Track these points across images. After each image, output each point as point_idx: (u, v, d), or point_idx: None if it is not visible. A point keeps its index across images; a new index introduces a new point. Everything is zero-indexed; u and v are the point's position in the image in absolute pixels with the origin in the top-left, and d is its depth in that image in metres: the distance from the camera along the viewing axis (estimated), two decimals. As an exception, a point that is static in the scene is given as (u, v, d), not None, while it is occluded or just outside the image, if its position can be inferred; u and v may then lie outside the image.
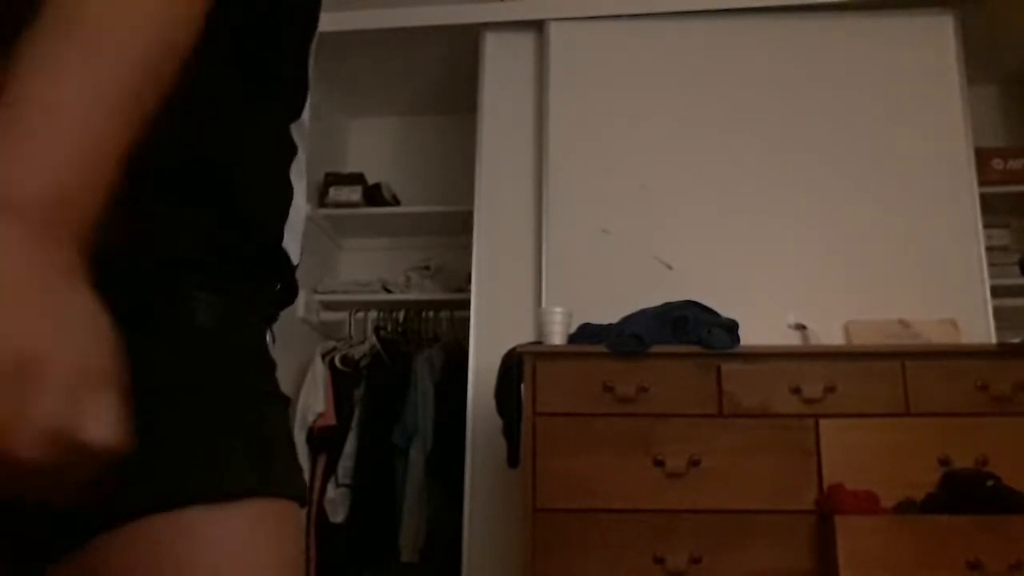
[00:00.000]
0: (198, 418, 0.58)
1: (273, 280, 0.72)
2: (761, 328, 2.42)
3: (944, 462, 2.07)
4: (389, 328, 3.34)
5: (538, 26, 2.99)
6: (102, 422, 0.42)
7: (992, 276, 2.65)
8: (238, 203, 0.65)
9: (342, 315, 3.37)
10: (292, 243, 0.72)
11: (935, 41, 2.82)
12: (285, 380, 3.44)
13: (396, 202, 3.56)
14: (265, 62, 0.68)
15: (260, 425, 0.62)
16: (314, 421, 3.03)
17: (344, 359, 3.16)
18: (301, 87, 0.73)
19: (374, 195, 3.45)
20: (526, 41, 3.03)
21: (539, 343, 2.32)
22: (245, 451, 0.59)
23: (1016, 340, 2.34)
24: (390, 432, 3.04)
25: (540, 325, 2.35)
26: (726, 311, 2.31)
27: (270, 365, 0.70)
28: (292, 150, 0.72)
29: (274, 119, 0.71)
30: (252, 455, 0.59)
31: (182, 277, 0.61)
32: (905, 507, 2.02)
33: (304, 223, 0.76)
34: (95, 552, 0.53)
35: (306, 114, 0.75)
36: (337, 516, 2.95)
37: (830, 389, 2.15)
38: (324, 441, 3.03)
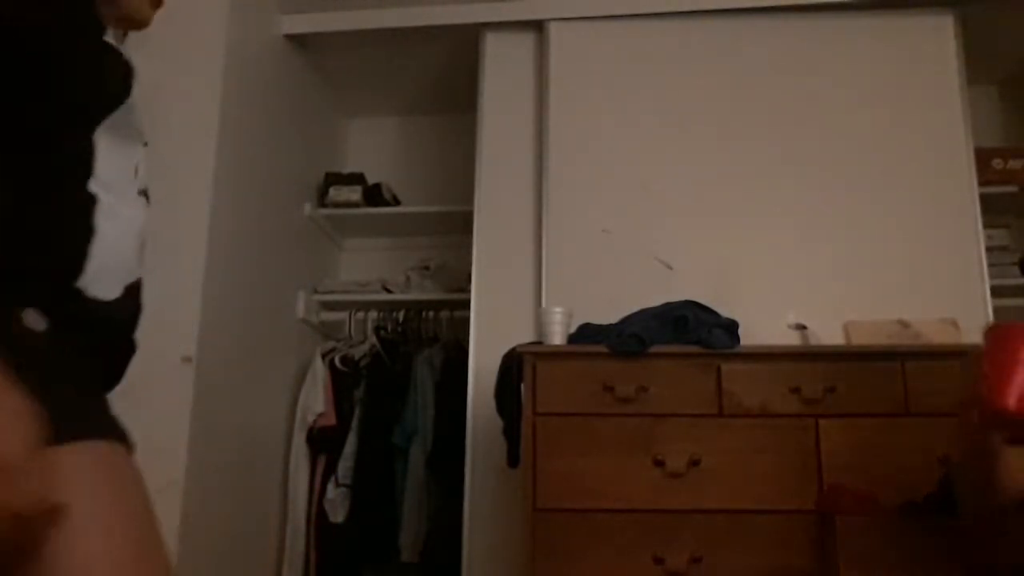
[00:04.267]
0: None
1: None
2: (761, 328, 2.43)
3: (944, 462, 2.07)
4: (389, 328, 3.34)
5: (538, 26, 2.99)
6: None
7: (992, 276, 2.65)
8: None
9: (342, 315, 3.37)
10: (108, 267, 0.86)
11: (935, 41, 2.82)
12: (285, 380, 3.44)
13: (396, 202, 3.55)
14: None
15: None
16: (314, 421, 3.03)
17: (344, 359, 3.15)
18: (87, 91, 0.86)
19: (374, 195, 3.45)
20: (526, 41, 3.03)
21: (539, 343, 2.31)
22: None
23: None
24: (390, 432, 3.04)
25: (540, 325, 2.35)
26: (726, 311, 2.31)
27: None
28: (80, 166, 0.85)
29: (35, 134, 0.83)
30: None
31: None
32: (905, 507, 2.02)
33: (139, 235, 0.91)
34: None
35: (119, 114, 0.89)
36: (337, 516, 2.95)
37: (830, 389, 2.15)
38: (324, 441, 3.03)
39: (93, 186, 0.85)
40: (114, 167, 0.88)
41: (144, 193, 0.95)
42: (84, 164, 0.85)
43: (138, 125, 0.95)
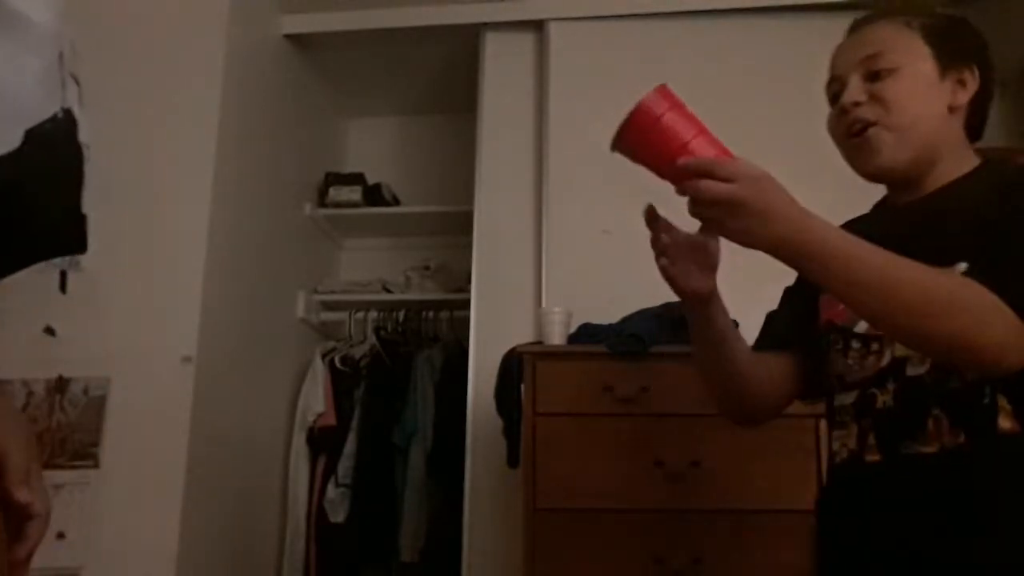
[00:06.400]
0: None
1: None
2: (761, 328, 2.42)
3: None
4: (389, 328, 3.34)
5: (538, 26, 2.99)
6: None
7: (992, 276, 2.64)
8: None
9: (342, 315, 3.37)
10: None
11: (935, 41, 2.82)
12: (285, 380, 3.43)
13: (396, 202, 3.56)
14: None
15: None
16: (314, 421, 3.03)
17: (344, 359, 3.16)
18: None
19: (374, 195, 3.45)
20: (526, 41, 3.02)
21: (539, 343, 2.32)
22: None
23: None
24: (390, 432, 3.04)
25: (540, 325, 2.35)
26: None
27: None
28: None
29: None
30: None
31: None
32: (905, 507, 2.02)
33: (54, 37, 0.60)
34: None
35: None
36: (337, 516, 2.95)
37: (830, 389, 2.15)
38: (324, 441, 3.03)
39: None
40: None
41: None
42: None
43: None
